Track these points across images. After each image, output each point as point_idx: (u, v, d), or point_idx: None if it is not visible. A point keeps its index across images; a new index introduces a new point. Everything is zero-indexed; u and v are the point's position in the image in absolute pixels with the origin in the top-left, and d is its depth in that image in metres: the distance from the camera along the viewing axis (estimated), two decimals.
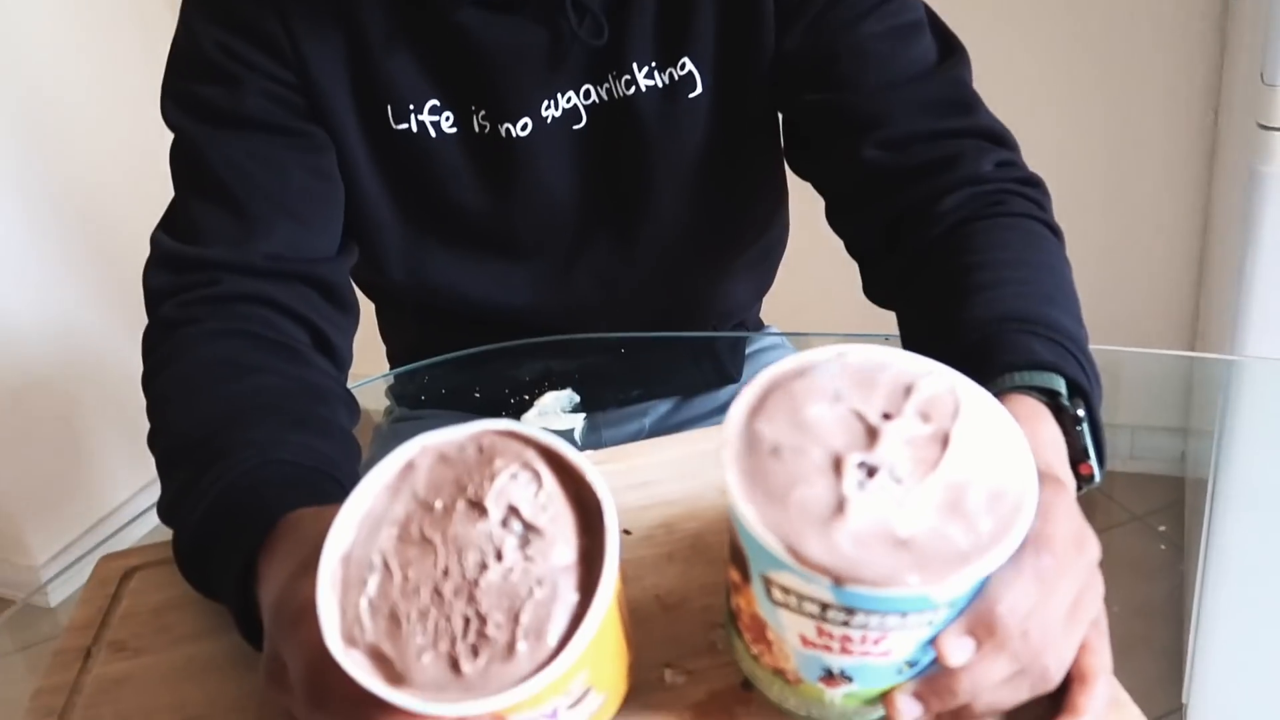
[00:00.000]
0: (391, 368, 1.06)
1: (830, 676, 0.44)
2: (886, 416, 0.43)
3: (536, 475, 0.43)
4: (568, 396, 0.86)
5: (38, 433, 1.93)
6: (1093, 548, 0.46)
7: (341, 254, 0.81)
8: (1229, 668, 1.00)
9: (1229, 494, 0.99)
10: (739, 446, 0.43)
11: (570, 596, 0.41)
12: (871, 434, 0.42)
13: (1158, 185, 1.67)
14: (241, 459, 0.60)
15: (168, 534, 0.62)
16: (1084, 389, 0.56)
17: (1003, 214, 0.69)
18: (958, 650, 0.42)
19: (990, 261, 0.65)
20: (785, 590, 0.42)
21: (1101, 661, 0.47)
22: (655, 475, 0.66)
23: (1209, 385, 1.01)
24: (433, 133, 0.81)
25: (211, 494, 0.59)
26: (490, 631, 0.40)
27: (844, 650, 0.43)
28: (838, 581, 0.39)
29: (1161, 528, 0.87)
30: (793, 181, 0.90)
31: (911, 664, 0.44)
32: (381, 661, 0.40)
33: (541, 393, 0.86)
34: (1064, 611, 0.44)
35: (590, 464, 0.44)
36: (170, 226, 0.77)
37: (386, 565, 0.42)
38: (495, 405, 0.88)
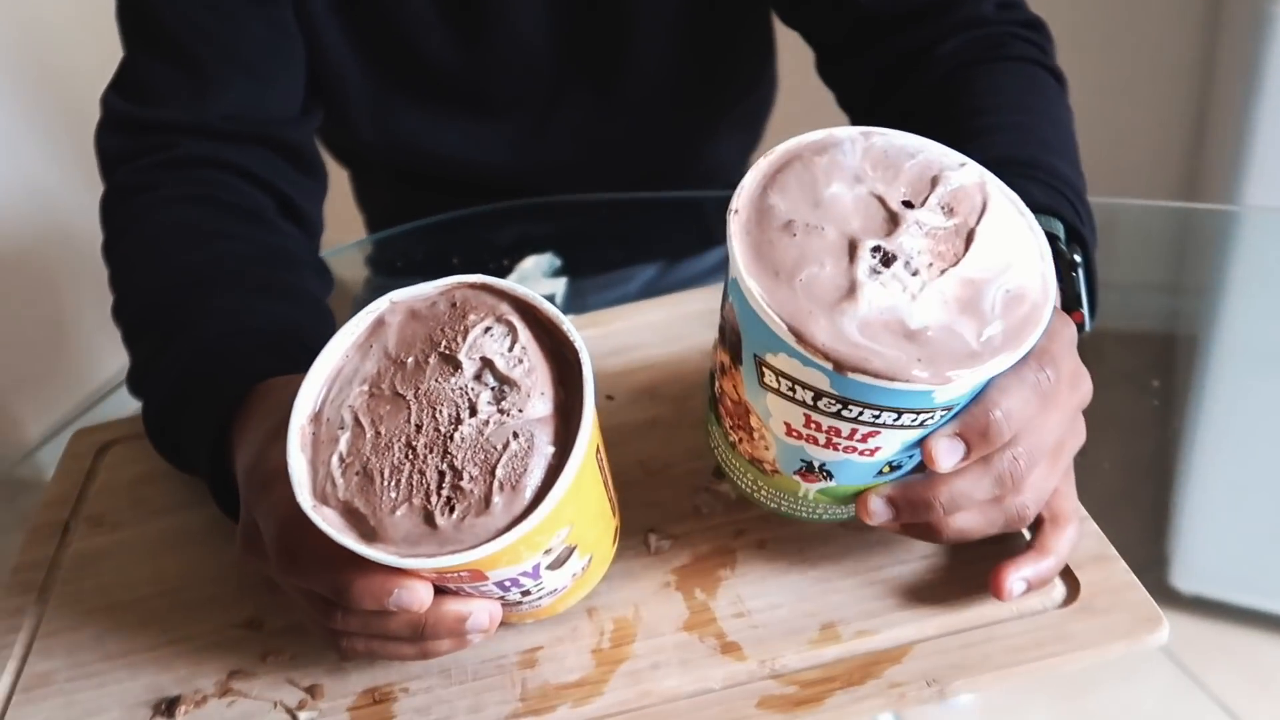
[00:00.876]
0: (369, 235, 1.03)
1: (809, 470, 0.43)
2: (909, 205, 0.40)
3: (511, 328, 0.42)
4: (548, 260, 0.83)
5: (16, 306, 1.91)
6: (1085, 388, 0.45)
7: (305, 114, 0.77)
8: (1213, 522, 1.01)
9: (1222, 348, 0.98)
10: (750, 215, 0.40)
11: (546, 449, 0.40)
12: (892, 220, 0.39)
13: (1159, 25, 1.60)
14: (208, 327, 0.58)
15: None
16: (1081, 235, 0.54)
17: (1003, 58, 0.65)
18: (946, 452, 0.41)
19: (988, 106, 0.62)
20: (779, 374, 0.40)
21: (1071, 505, 0.47)
22: (637, 339, 0.65)
23: (1207, 237, 0.99)
24: None
25: (179, 365, 0.57)
26: (465, 484, 0.39)
27: (829, 444, 0.41)
28: (838, 368, 0.37)
29: (1155, 383, 0.86)
30: (782, 37, 0.85)
31: (894, 466, 0.43)
32: (355, 518, 0.40)
33: (521, 257, 0.83)
34: (1049, 447, 0.43)
35: (565, 317, 0.42)
36: (122, 86, 0.73)
37: (358, 421, 0.41)
38: (473, 270, 0.85)
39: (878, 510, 0.44)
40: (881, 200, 0.40)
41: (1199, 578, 1.16)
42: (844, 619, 0.47)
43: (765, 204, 0.40)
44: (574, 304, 0.91)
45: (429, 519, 0.39)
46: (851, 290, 0.38)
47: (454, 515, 0.39)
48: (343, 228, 1.07)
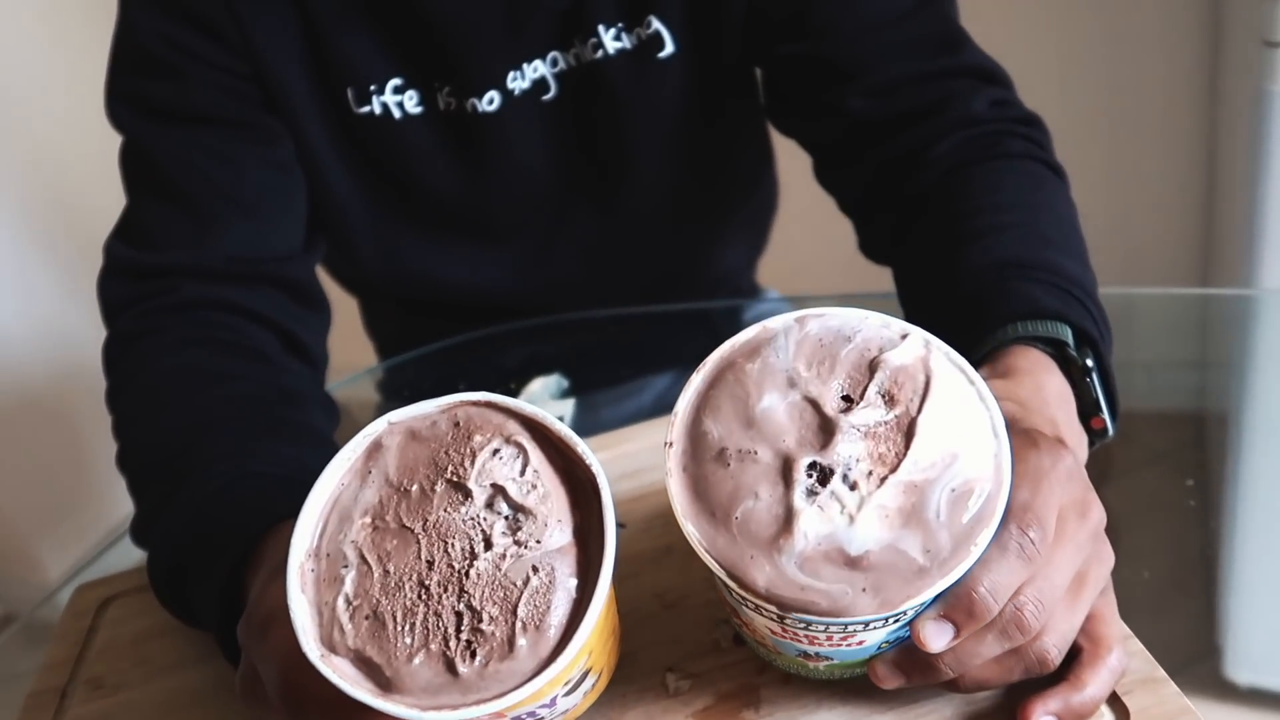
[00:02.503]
0: (380, 361, 1.02)
1: (808, 656, 0.42)
2: (846, 399, 0.39)
3: (521, 449, 0.40)
4: (555, 382, 0.82)
5: (40, 445, 1.91)
6: (1096, 513, 0.42)
7: (307, 249, 0.77)
8: (1264, 609, 0.97)
9: (1252, 430, 0.95)
10: (684, 447, 0.40)
11: (569, 583, 0.38)
12: (827, 428, 0.38)
13: (1162, 114, 1.61)
14: (212, 475, 0.57)
15: None
16: (1091, 337, 0.52)
17: (1000, 156, 0.65)
18: (935, 636, 0.39)
19: (987, 206, 0.61)
20: (743, 597, 0.39)
21: (1112, 631, 0.44)
22: (649, 461, 0.63)
23: (1226, 322, 0.97)
24: (397, 114, 0.77)
25: (185, 515, 0.56)
26: (485, 627, 0.37)
27: (812, 643, 0.40)
28: (781, 610, 0.37)
29: (1190, 482, 0.83)
30: (782, 138, 0.86)
31: (890, 643, 0.41)
32: (368, 667, 0.37)
33: (529, 379, 0.82)
34: (1064, 587, 0.41)
35: (576, 435, 0.40)
36: (124, 233, 0.73)
37: (363, 559, 0.39)
38: None
39: (886, 675, 0.42)
40: (816, 405, 0.39)
41: (1255, 668, 1.11)
42: None
43: (699, 431, 0.39)
44: (587, 419, 0.89)
45: (450, 666, 0.37)
46: (788, 521, 0.37)
47: (477, 661, 0.36)
48: (355, 354, 1.07)
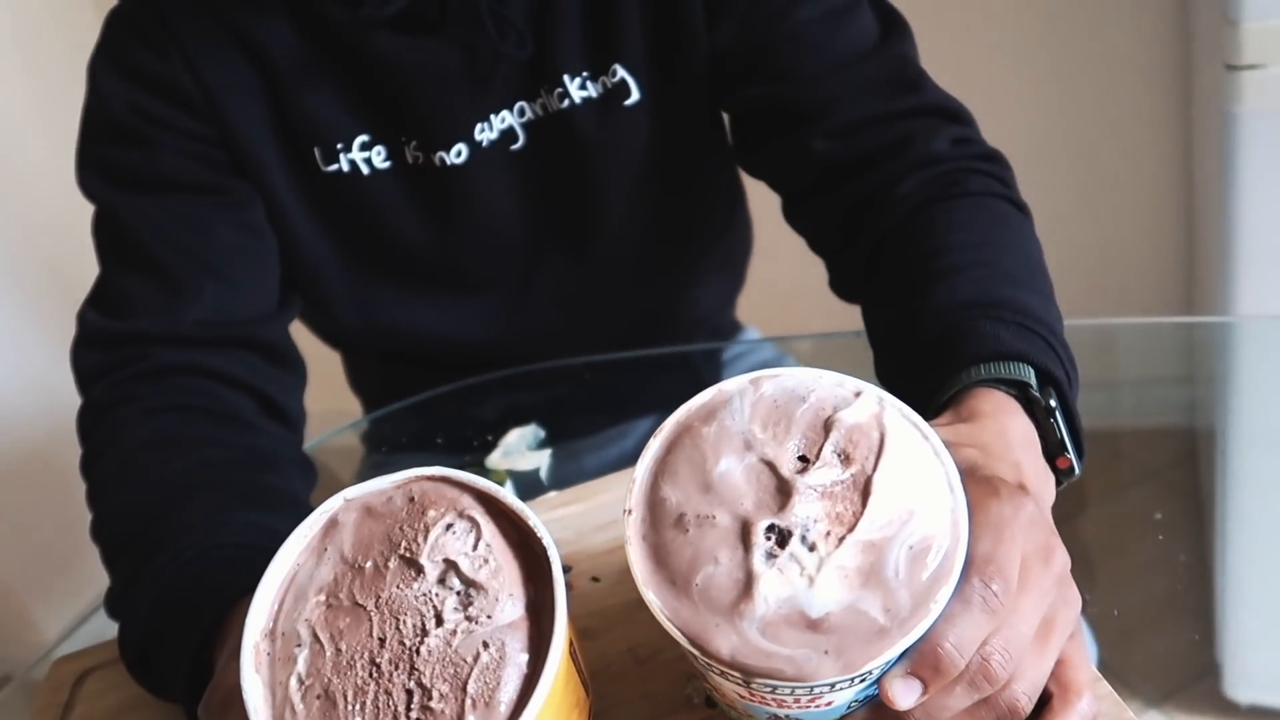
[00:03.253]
0: (364, 413, 1.02)
1: (778, 718, 0.42)
2: (803, 459, 0.39)
3: (474, 524, 0.40)
4: (532, 432, 0.82)
5: (33, 506, 1.91)
6: (1059, 558, 0.42)
7: (280, 310, 0.78)
8: (1261, 626, 0.97)
9: (1238, 450, 0.95)
10: (643, 515, 0.40)
11: (519, 658, 0.38)
12: (784, 490, 0.38)
13: (1135, 143, 1.62)
14: (181, 548, 0.57)
15: None
16: (1055, 376, 0.52)
17: (962, 194, 0.65)
18: (903, 694, 0.38)
19: (951, 245, 0.61)
20: (707, 663, 0.39)
21: (1082, 676, 0.43)
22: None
23: (1207, 349, 0.97)
24: (365, 170, 0.78)
25: (155, 589, 0.56)
26: (435, 704, 0.37)
27: (780, 705, 0.40)
28: (745, 676, 0.37)
29: (1178, 498, 0.83)
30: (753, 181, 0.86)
31: (861, 702, 0.41)
32: None
33: (506, 429, 0.82)
34: (1030, 635, 0.40)
35: (529, 509, 0.40)
36: (97, 301, 0.74)
37: (316, 638, 0.39)
38: (459, 447, 0.84)
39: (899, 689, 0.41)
40: (772, 467, 0.39)
41: (1254, 686, 1.10)
42: None
43: (657, 498, 0.40)
44: (570, 466, 0.89)
45: None
46: (749, 586, 0.37)
47: None
48: (342, 402, 1.07)
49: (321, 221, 0.80)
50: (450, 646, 0.38)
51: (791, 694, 0.38)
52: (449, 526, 0.40)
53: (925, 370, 0.54)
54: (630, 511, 0.40)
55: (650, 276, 0.89)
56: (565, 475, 0.85)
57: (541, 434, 0.82)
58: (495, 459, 0.80)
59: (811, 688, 0.37)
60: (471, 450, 0.81)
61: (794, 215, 0.76)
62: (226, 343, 0.72)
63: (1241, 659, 1.08)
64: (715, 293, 0.96)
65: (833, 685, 0.37)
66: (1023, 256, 0.61)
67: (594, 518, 0.63)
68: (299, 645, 0.39)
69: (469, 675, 0.37)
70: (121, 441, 0.67)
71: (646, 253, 0.86)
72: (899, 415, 0.40)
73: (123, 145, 0.74)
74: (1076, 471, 0.53)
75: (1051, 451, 0.51)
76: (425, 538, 0.39)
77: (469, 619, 0.38)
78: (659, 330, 0.93)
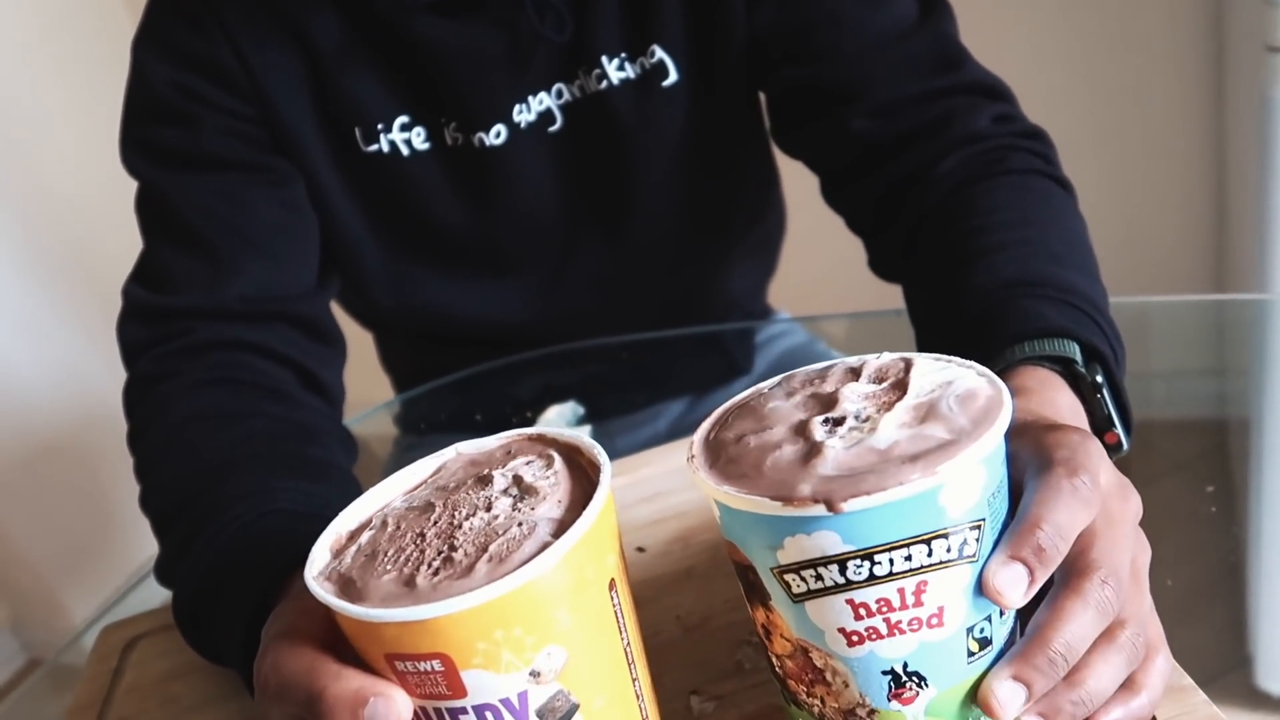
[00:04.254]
0: (396, 395, 1.03)
1: (899, 684, 0.40)
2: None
3: (549, 459, 0.43)
4: (571, 409, 0.83)
5: (62, 491, 1.93)
6: (1135, 500, 0.42)
7: (320, 287, 0.78)
8: None
9: (1273, 434, 0.94)
10: (703, 455, 0.41)
11: (545, 537, 0.38)
12: (830, 402, 0.41)
13: (1166, 122, 1.61)
14: (237, 514, 0.57)
15: None
16: (1101, 352, 0.52)
17: (1004, 172, 0.65)
18: (1008, 581, 0.37)
19: (993, 224, 0.61)
20: (798, 572, 0.38)
21: (1158, 633, 0.43)
22: (666, 485, 0.63)
23: (1242, 327, 0.97)
24: (405, 151, 0.78)
25: (209, 554, 0.56)
26: (456, 557, 0.38)
27: (891, 629, 0.38)
28: (832, 506, 0.36)
29: (1210, 489, 0.83)
30: (788, 160, 0.86)
31: (980, 643, 0.39)
32: (346, 586, 0.39)
33: (544, 407, 0.82)
34: (1125, 562, 0.40)
35: (600, 448, 0.42)
36: (141, 277, 0.75)
37: (385, 522, 0.42)
38: (497, 426, 0.84)
39: (1008, 694, 0.39)
40: (816, 395, 0.42)
41: None
42: None
43: (716, 440, 0.42)
44: (602, 446, 0.90)
45: (410, 581, 0.38)
46: (815, 449, 0.38)
47: (435, 578, 0.37)
48: (372, 389, 1.08)
49: (361, 201, 0.81)
50: (489, 525, 0.39)
51: (889, 573, 0.37)
52: (528, 461, 0.43)
53: (968, 349, 0.54)
54: (693, 457, 0.42)
55: (685, 259, 0.89)
56: None
57: (580, 410, 0.83)
58: (561, 431, 0.81)
59: (909, 547, 0.37)
60: (510, 427, 0.82)
61: (833, 196, 0.76)
62: (269, 318, 0.72)
63: (1274, 650, 1.07)
64: (749, 276, 0.97)
65: (929, 545, 0.37)
66: (1065, 233, 0.61)
67: (637, 491, 0.63)
68: (370, 528, 0.42)
69: (494, 541, 0.38)
70: (168, 415, 0.67)
71: (682, 235, 0.87)
72: (923, 357, 0.43)
73: (166, 124, 0.74)
74: (1125, 447, 0.53)
75: (1099, 427, 0.51)
76: (505, 466, 0.43)
77: (514, 509, 0.40)
78: (692, 313, 0.94)
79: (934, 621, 0.38)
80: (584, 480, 0.42)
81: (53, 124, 1.89)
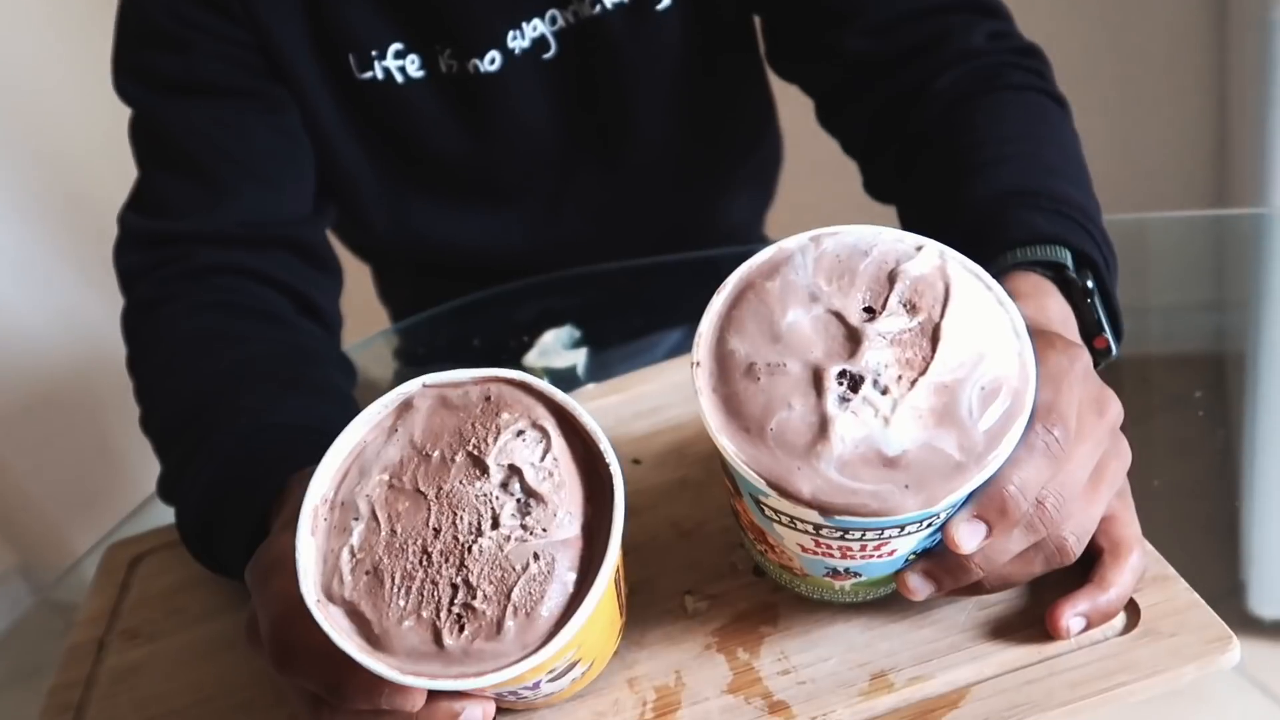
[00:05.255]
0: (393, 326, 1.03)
1: (836, 573, 0.43)
2: (869, 311, 0.39)
3: (545, 435, 0.40)
4: (568, 333, 0.83)
5: (66, 433, 1.94)
6: (1114, 410, 0.43)
7: (317, 214, 0.78)
8: None
9: (1270, 359, 0.95)
10: (712, 367, 0.40)
11: (567, 576, 0.38)
12: (853, 338, 0.39)
13: (1167, 38, 1.59)
14: (237, 428, 0.58)
15: None
16: (1092, 258, 0.52)
17: (1000, 88, 0.65)
18: (968, 536, 0.40)
19: (988, 139, 0.61)
20: (776, 511, 0.40)
21: (1131, 532, 0.44)
22: (662, 400, 0.64)
23: (1240, 243, 0.96)
24: (399, 78, 0.78)
25: (211, 468, 0.57)
26: (477, 604, 0.37)
27: (845, 555, 0.41)
28: (825, 513, 0.37)
29: (1198, 393, 0.83)
30: (783, 92, 0.86)
31: (917, 554, 0.42)
32: (359, 621, 0.38)
33: (541, 332, 0.83)
34: (1084, 481, 0.41)
35: (603, 433, 0.40)
36: (137, 204, 0.75)
37: (374, 515, 0.39)
38: (495, 351, 0.85)
39: (917, 586, 0.43)
40: (840, 317, 0.39)
41: (1278, 602, 1.11)
42: (896, 666, 0.45)
43: (725, 350, 0.40)
44: (599, 375, 0.90)
45: (437, 637, 0.37)
46: (824, 428, 0.37)
47: (463, 636, 0.37)
48: (370, 323, 1.08)
49: (356, 130, 0.81)
50: (502, 551, 0.38)
51: (860, 539, 0.39)
52: (520, 433, 0.40)
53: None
54: (698, 364, 0.40)
55: (681, 187, 0.89)
56: (593, 381, 0.86)
57: (577, 334, 0.83)
58: (532, 358, 0.81)
59: (883, 530, 0.38)
60: (508, 351, 0.82)
61: (828, 118, 0.76)
62: (266, 243, 0.73)
63: (1266, 575, 1.09)
64: (746, 205, 0.96)
65: (903, 528, 0.38)
66: (1060, 148, 0.61)
67: (633, 406, 0.64)
68: (356, 518, 0.39)
69: (515, 583, 0.38)
70: (166, 337, 0.68)
71: (678, 162, 0.86)
72: (961, 268, 0.41)
73: (160, 49, 0.74)
74: (1114, 352, 0.53)
75: (1089, 332, 0.52)
76: (495, 439, 0.40)
77: (524, 528, 0.38)
78: (689, 243, 0.94)
79: (884, 555, 0.41)
80: (583, 456, 0.40)
81: (47, 64, 1.87)
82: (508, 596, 0.37)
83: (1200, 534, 0.89)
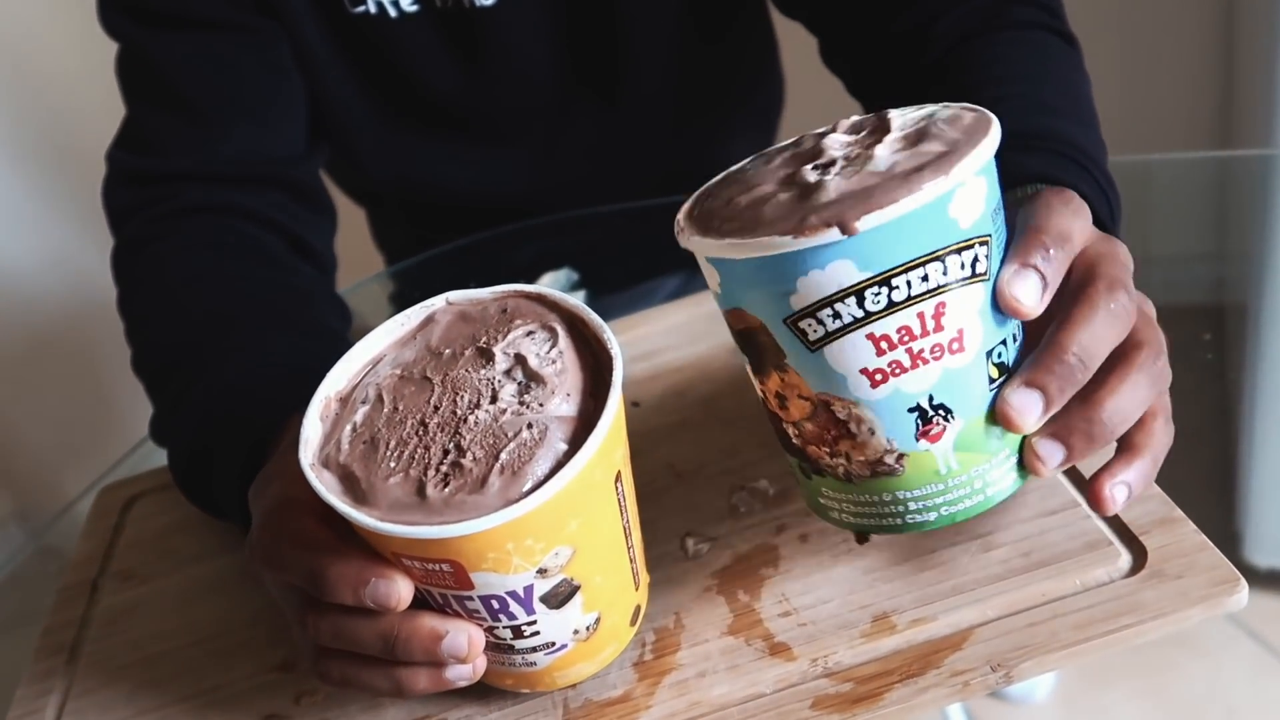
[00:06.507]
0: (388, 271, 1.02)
1: (925, 420, 0.38)
2: (822, 140, 0.41)
3: (553, 333, 0.41)
4: (565, 275, 0.82)
5: (60, 381, 1.93)
6: (1124, 248, 0.42)
7: (310, 152, 0.77)
8: None
9: (1272, 308, 0.94)
10: (691, 226, 0.40)
11: (558, 444, 0.38)
12: (814, 153, 0.40)
13: None
14: (229, 368, 0.57)
15: None
16: (1088, 196, 0.51)
17: (1005, 26, 0.63)
18: (1021, 285, 0.38)
19: (988, 79, 0.59)
20: (813, 315, 0.37)
21: (1166, 403, 0.42)
22: (662, 343, 0.63)
23: (1246, 184, 0.95)
24: (393, 12, 0.76)
25: (203, 408, 0.56)
26: (465, 463, 0.37)
27: (914, 359, 0.37)
28: (845, 228, 0.35)
29: (1206, 336, 0.82)
30: (791, 33, 0.84)
31: (999, 365, 0.39)
32: (349, 482, 0.38)
33: (539, 274, 0.82)
34: (1128, 276, 0.40)
35: (608, 328, 0.41)
36: (126, 141, 0.73)
37: (380, 397, 0.40)
38: None
39: (1021, 400, 0.38)
40: (796, 155, 0.41)
41: (1275, 550, 1.11)
42: (898, 608, 0.44)
43: (702, 211, 0.40)
44: None
45: (420, 489, 0.37)
46: (813, 187, 0.37)
47: (446, 490, 0.37)
48: (362, 266, 1.07)
49: (349, 66, 0.79)
50: (497, 421, 0.38)
51: (907, 294, 0.36)
52: (530, 333, 0.41)
53: None
54: (683, 229, 0.40)
55: (681, 128, 0.87)
56: None
57: (575, 276, 0.82)
58: (564, 295, 0.80)
59: (919, 264, 0.36)
60: None
61: (831, 57, 0.74)
62: (257, 181, 0.71)
63: (1262, 525, 1.09)
64: (747, 146, 0.94)
65: (939, 260, 0.36)
66: (1065, 87, 0.60)
67: (635, 349, 0.63)
68: (364, 402, 0.41)
69: (504, 447, 0.37)
70: (157, 277, 0.67)
71: (678, 102, 0.85)
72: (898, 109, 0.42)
73: None
74: None
75: None
76: (505, 335, 0.41)
77: (522, 404, 0.39)
78: (689, 185, 0.91)
79: (955, 347, 0.38)
80: (590, 360, 0.40)
81: (35, 14, 1.84)
82: (496, 458, 0.37)
83: (1197, 484, 0.89)
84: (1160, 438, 0.41)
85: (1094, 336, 0.38)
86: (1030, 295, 0.38)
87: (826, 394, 0.39)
